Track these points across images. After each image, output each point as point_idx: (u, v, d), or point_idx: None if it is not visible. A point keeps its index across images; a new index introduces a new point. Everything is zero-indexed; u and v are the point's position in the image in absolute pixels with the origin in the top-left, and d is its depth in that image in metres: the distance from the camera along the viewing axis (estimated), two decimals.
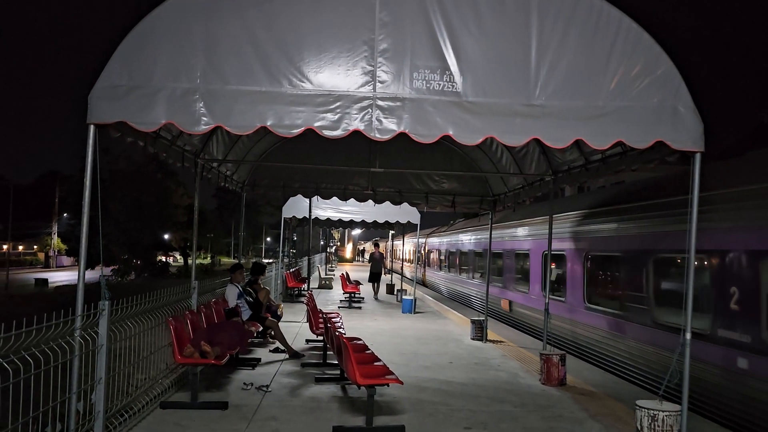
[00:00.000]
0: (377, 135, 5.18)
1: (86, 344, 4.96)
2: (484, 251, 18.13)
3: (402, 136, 5.25)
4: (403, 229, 23.05)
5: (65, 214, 62.87)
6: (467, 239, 21.69)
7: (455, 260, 23.78)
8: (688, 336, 5.28)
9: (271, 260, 40.16)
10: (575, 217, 11.71)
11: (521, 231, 14.99)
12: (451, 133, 5.20)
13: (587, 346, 10.81)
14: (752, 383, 6.57)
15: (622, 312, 9.57)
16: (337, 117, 5.18)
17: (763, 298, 6.54)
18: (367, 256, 26.00)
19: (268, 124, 5.14)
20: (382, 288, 22.41)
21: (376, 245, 22.57)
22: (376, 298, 20.53)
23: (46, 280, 41.36)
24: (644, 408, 5.53)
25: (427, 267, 25.43)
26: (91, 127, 5.07)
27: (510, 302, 15.33)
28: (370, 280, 21.41)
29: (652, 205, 8.96)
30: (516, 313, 14.93)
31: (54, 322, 4.50)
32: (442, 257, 26.54)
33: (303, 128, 5.15)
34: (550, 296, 10.05)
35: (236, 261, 14.89)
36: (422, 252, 31.81)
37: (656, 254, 8.67)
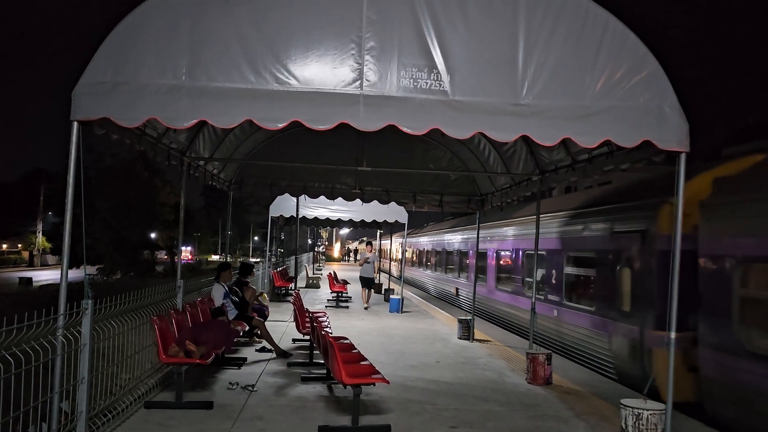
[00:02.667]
0: (364, 124, 5.15)
1: (69, 344, 4.90)
2: (442, 250, 24.84)
3: (390, 135, 5.25)
4: (391, 228, 23.03)
5: (50, 213, 62.26)
6: (430, 240, 27.46)
7: (422, 258, 29.94)
8: (673, 336, 5.32)
9: (258, 259, 40.02)
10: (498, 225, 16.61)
11: (459, 235, 21.91)
12: (439, 126, 5.19)
13: (498, 314, 15.87)
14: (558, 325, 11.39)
15: (511, 289, 15.01)
16: (323, 114, 5.15)
17: (563, 278, 11.43)
18: (359, 256, 23.56)
19: (254, 117, 5.10)
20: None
21: (369, 244, 18.85)
22: (366, 307, 17.27)
23: (31, 279, 40.85)
24: (629, 407, 5.56)
25: (403, 264, 28.76)
26: (75, 124, 5.01)
27: (457, 288, 21.72)
28: (363, 286, 17.77)
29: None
30: (461, 296, 20.94)
31: (36, 321, 4.44)
32: (413, 256, 31.85)
33: (289, 120, 5.12)
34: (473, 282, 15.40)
35: (223, 260, 14.79)
36: (401, 250, 36.21)
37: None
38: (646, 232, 8.63)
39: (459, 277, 21.40)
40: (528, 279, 13.67)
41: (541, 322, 12.04)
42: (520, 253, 14.49)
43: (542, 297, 12.29)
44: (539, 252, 11.08)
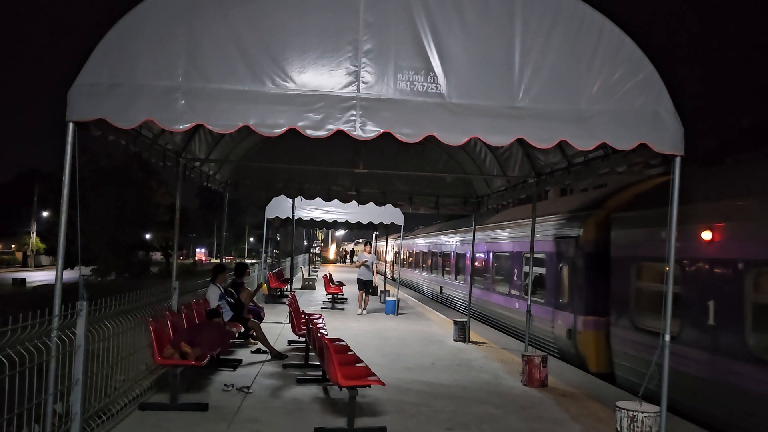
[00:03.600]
0: (360, 134, 5.16)
1: (63, 345, 4.88)
2: (428, 252, 27.25)
3: (386, 137, 5.24)
4: (387, 230, 23.04)
5: (44, 213, 61.97)
6: (417, 242, 30.10)
7: (411, 259, 32.74)
8: (668, 338, 5.34)
9: (253, 261, 39.97)
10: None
11: (442, 238, 24.39)
12: (435, 133, 5.20)
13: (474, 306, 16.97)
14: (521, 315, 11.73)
15: (482, 285, 17.22)
16: (320, 117, 5.15)
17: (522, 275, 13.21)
18: (356, 258, 23.18)
19: (251, 123, 5.10)
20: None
21: (368, 244, 17.70)
22: (360, 313, 16.30)
23: (24, 279, 40.66)
24: (624, 409, 5.57)
25: (394, 264, 32.17)
26: (70, 125, 5.00)
27: (441, 286, 23.81)
28: (359, 289, 16.70)
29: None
30: (444, 294, 23.12)
31: (30, 322, 4.42)
32: (404, 257, 33.82)
33: (286, 128, 5.12)
34: (449, 279, 20.10)
35: (218, 261, 14.76)
36: (392, 252, 38.36)
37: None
38: (578, 238, 10.69)
39: (443, 276, 23.81)
40: (498, 276, 16.18)
41: (504, 313, 14.83)
42: (490, 254, 16.98)
43: (507, 292, 14.90)
44: (498, 253, 14.83)
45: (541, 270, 12.53)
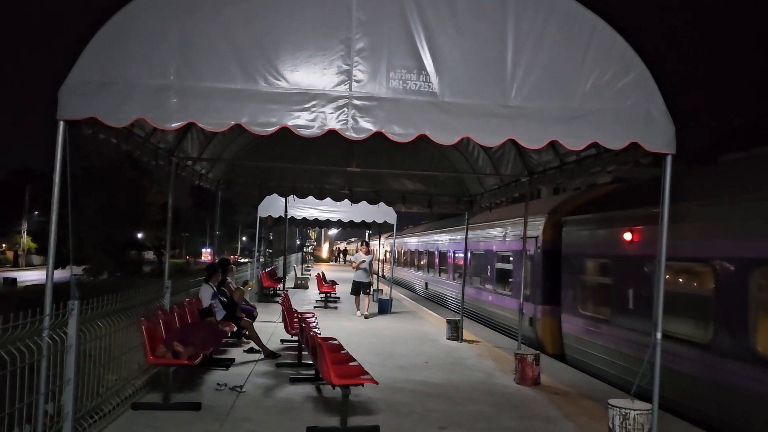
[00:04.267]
0: (353, 134, 5.15)
1: (55, 345, 4.86)
2: (415, 251, 29.06)
3: (378, 136, 5.23)
4: (380, 229, 23.04)
5: (36, 213, 61.61)
6: (410, 241, 30.97)
7: (398, 258, 34.36)
8: (659, 336, 5.36)
9: (246, 260, 39.85)
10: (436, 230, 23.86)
11: (425, 238, 26.61)
12: (427, 132, 5.20)
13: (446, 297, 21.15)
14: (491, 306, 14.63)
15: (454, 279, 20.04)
16: (312, 116, 5.14)
17: (494, 271, 15.11)
18: (352, 257, 23.31)
19: (243, 121, 5.08)
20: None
21: (365, 244, 16.42)
22: (367, 316, 15.21)
23: (15, 279, 40.43)
24: (616, 407, 5.59)
25: (385, 263, 33.42)
26: (61, 124, 4.96)
27: (426, 283, 25.52)
28: (353, 292, 15.69)
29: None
30: (429, 289, 24.70)
31: (21, 322, 4.39)
32: (393, 256, 34.95)
33: (278, 127, 5.11)
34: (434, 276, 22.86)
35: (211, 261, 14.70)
36: (386, 251, 39.29)
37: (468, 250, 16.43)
38: (537, 239, 12.47)
39: (429, 273, 25.51)
40: (472, 272, 17.97)
41: (478, 305, 16.46)
42: (469, 253, 18.29)
43: (481, 286, 16.68)
44: (470, 252, 16.45)
45: (506, 266, 14.70)
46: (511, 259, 14.34)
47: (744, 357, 6.55)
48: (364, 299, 15.45)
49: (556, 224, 11.96)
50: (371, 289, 15.77)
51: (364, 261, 15.41)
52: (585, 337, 10.16)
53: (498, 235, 15.33)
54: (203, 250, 76.40)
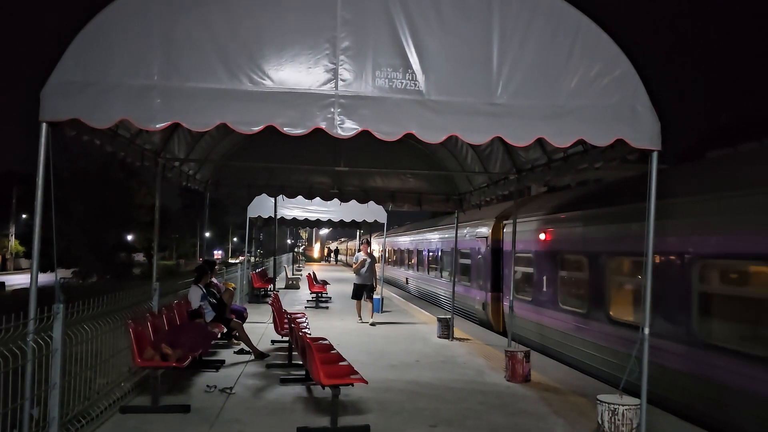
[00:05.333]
0: (339, 132, 5.14)
1: (40, 349, 4.81)
2: (398, 249, 31.86)
3: (366, 135, 5.22)
4: (371, 228, 23.01)
5: (23, 215, 61.10)
6: (396, 240, 32.70)
7: (385, 256, 35.62)
8: (647, 331, 5.38)
9: (237, 260, 39.71)
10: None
11: (407, 237, 29.06)
12: (413, 131, 5.19)
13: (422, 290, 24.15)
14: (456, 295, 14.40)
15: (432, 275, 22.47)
16: (298, 114, 5.12)
17: (458, 266, 16.99)
18: (344, 257, 24.59)
19: (228, 121, 5.05)
20: (342, 289, 18.74)
21: (367, 243, 14.81)
22: (372, 322, 13.73)
23: (3, 283, 40.03)
24: (605, 402, 5.62)
25: (383, 262, 35.26)
26: (44, 125, 4.92)
27: (407, 278, 28.11)
28: (354, 296, 14.27)
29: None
30: (410, 284, 27.21)
31: (5, 326, 4.35)
32: (380, 254, 36.38)
33: (263, 125, 5.08)
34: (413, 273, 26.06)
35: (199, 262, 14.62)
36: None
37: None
38: (486, 238, 15.00)
39: (408, 270, 28.03)
40: (434, 266, 22.00)
41: (440, 293, 19.86)
42: (428, 252, 23.10)
43: (445, 279, 19.62)
44: (443, 250, 20.42)
45: (466, 261, 17.30)
46: (470, 255, 16.97)
47: (603, 320, 9.18)
48: (367, 304, 14.00)
49: (498, 226, 14.65)
50: (374, 292, 14.40)
51: (365, 261, 14.00)
52: (522, 316, 12.14)
53: (461, 236, 17.13)
54: (214, 251, 76.52)
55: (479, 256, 14.09)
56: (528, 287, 12.38)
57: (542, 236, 11.60)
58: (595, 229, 9.58)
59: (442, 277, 20.65)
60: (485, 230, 15.08)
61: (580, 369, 9.38)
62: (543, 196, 14.58)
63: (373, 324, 13.58)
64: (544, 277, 11.52)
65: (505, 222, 14.18)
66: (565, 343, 10.44)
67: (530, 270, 12.19)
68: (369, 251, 14.33)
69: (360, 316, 14.17)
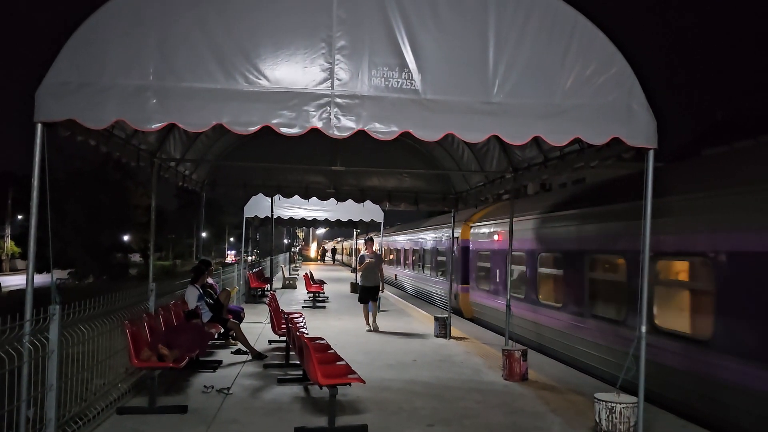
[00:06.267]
0: (335, 132, 5.13)
1: (36, 350, 4.79)
2: (389, 248, 33.54)
3: (363, 134, 5.21)
4: (367, 227, 23.01)
5: (19, 216, 60.92)
6: (387, 239, 33.87)
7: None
8: (644, 329, 5.39)
9: (234, 260, 39.66)
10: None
11: (397, 237, 31.16)
12: (410, 129, 5.19)
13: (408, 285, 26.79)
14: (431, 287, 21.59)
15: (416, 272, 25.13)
16: (294, 114, 5.11)
17: (435, 263, 21.68)
18: (343, 257, 25.16)
19: (224, 121, 5.04)
20: (339, 288, 19.25)
21: (370, 241, 13.74)
22: (376, 328, 12.70)
23: None
24: (602, 401, 5.63)
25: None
26: (39, 126, 4.90)
27: (395, 275, 30.14)
28: (361, 299, 13.12)
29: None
30: (398, 281, 29.42)
31: (1, 328, 4.33)
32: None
33: (260, 125, 5.07)
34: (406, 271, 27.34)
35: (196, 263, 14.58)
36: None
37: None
38: (458, 239, 17.46)
39: (397, 267, 30.00)
40: (419, 263, 24.51)
41: (423, 287, 23.22)
42: (413, 251, 25.99)
43: (428, 274, 22.63)
44: (423, 249, 23.73)
45: (440, 259, 20.74)
46: (445, 254, 19.71)
47: (536, 302, 11.63)
48: (374, 308, 12.88)
49: (466, 228, 17.22)
50: (379, 296, 13.17)
51: (371, 262, 12.94)
52: (483, 303, 15.31)
53: (439, 236, 21.13)
54: (228, 252, 76.45)
55: (452, 254, 16.35)
56: (487, 280, 15.12)
57: (496, 237, 14.33)
58: (530, 231, 12.04)
59: (424, 272, 23.62)
60: (457, 231, 17.35)
61: (511, 336, 10.61)
62: (503, 202, 16.51)
63: (373, 329, 12.59)
64: (498, 271, 13.82)
65: (471, 225, 16.88)
66: (532, 330, 12.69)
67: (489, 265, 14.98)
68: (372, 251, 13.25)
69: (367, 322, 12.85)
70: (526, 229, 11.97)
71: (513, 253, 10.55)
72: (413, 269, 25.63)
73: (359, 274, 13.19)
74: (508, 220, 9.92)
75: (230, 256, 71.73)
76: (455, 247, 17.45)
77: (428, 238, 22.65)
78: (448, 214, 14.64)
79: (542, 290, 11.54)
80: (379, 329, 12.63)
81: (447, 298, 16.05)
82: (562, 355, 10.28)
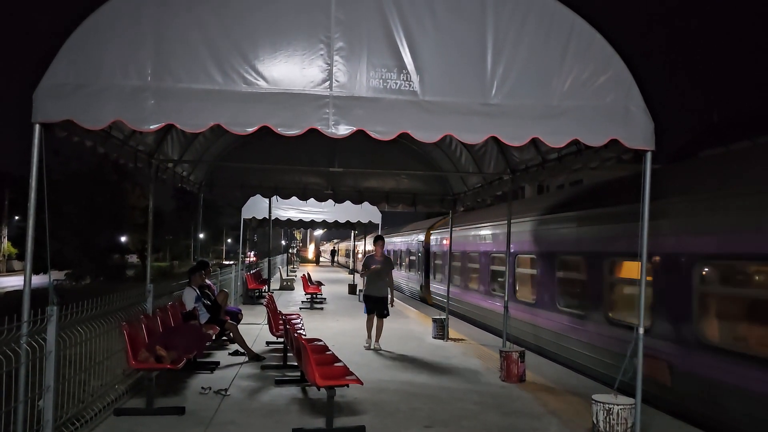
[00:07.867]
0: (334, 132, 5.14)
1: (34, 352, 4.78)
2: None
3: (360, 135, 5.22)
4: (365, 229, 23.02)
5: (16, 217, 60.80)
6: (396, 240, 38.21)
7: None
8: (641, 331, 5.40)
9: (231, 262, 39.64)
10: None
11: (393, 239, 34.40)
12: (408, 130, 5.20)
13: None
14: (408, 282, 27.35)
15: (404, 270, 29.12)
16: (292, 115, 5.12)
17: (408, 261, 28.09)
18: (343, 259, 25.90)
19: (222, 122, 5.04)
20: (337, 290, 19.26)
21: (380, 240, 10.91)
22: (378, 347, 10.48)
23: None
24: (600, 402, 5.63)
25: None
26: (37, 127, 4.90)
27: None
28: (368, 310, 10.73)
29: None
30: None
31: None
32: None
33: (257, 126, 5.08)
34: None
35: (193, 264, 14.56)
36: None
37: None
38: (422, 242, 23.02)
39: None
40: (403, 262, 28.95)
41: (401, 282, 26.91)
42: (392, 252, 30.61)
43: (405, 271, 27.47)
44: (406, 249, 28.32)
45: (411, 259, 25.97)
46: (414, 253, 25.35)
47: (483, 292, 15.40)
48: (377, 323, 10.63)
49: (428, 234, 22.64)
50: (388, 309, 10.73)
51: (377, 266, 10.60)
52: (437, 291, 20.31)
53: (410, 240, 26.74)
54: (248, 252, 75.86)
55: (420, 254, 22.14)
56: (441, 274, 19.87)
57: (445, 242, 19.02)
58: (471, 237, 16.41)
59: (401, 268, 28.80)
60: (422, 236, 23.54)
61: (466, 318, 15.67)
62: (463, 214, 18.93)
63: (373, 347, 10.52)
64: (447, 267, 16.28)
65: (430, 231, 22.46)
66: (460, 306, 17.03)
67: (440, 263, 20.02)
68: (381, 253, 10.78)
69: (369, 336, 10.72)
70: (460, 236, 17.01)
71: (452, 252, 14.39)
72: (400, 268, 31.20)
73: (364, 279, 11.11)
74: (449, 230, 13.44)
75: (251, 257, 71.16)
76: (421, 250, 23.58)
77: (401, 241, 29.07)
78: (419, 222, 21.55)
79: (472, 279, 16.56)
80: (381, 349, 10.41)
81: (416, 288, 24.34)
82: (471, 315, 16.01)
